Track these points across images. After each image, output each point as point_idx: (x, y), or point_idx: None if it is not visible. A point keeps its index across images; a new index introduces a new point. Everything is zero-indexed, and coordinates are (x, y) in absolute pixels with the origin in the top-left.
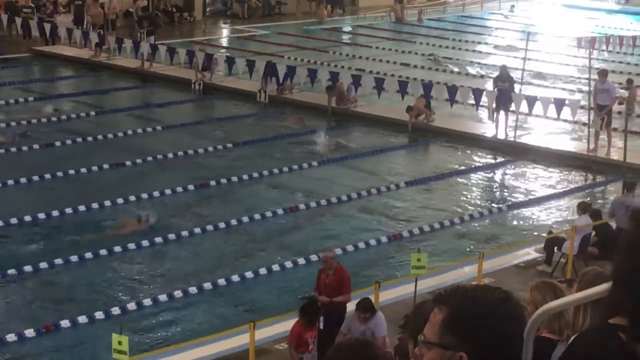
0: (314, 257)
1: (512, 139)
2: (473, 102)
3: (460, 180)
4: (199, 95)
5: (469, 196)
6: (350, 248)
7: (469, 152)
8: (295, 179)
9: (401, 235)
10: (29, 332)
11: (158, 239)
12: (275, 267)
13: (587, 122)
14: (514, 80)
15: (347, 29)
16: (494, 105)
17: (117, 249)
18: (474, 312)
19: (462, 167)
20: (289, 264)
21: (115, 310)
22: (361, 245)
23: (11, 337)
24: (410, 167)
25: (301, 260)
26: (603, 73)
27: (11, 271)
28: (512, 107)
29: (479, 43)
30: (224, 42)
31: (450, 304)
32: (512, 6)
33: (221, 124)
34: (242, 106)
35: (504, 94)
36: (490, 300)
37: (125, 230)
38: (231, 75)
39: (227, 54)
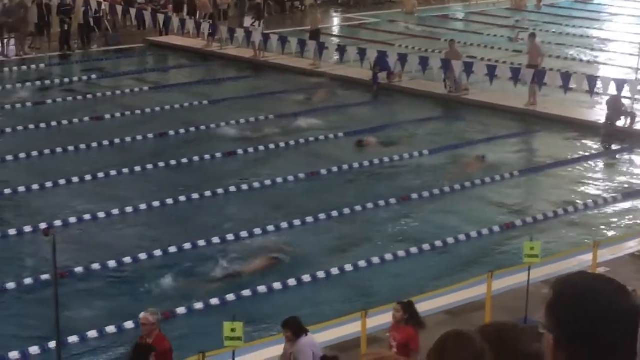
0: (426, 247)
1: (626, 127)
2: (587, 88)
3: (574, 168)
4: (312, 84)
5: (583, 184)
6: (462, 237)
7: (582, 139)
8: (407, 167)
9: (514, 224)
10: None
11: (270, 228)
12: (388, 256)
13: None
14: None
15: (460, 15)
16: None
17: (230, 237)
18: (571, 299)
19: (576, 155)
20: (401, 253)
21: (230, 297)
22: (473, 234)
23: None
24: (523, 156)
25: (414, 250)
26: None
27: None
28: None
29: (594, 29)
30: (335, 30)
31: (555, 288)
32: None
33: (333, 113)
34: (353, 94)
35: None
36: (594, 289)
37: (470, 169)
38: (342, 63)
39: (338, 42)
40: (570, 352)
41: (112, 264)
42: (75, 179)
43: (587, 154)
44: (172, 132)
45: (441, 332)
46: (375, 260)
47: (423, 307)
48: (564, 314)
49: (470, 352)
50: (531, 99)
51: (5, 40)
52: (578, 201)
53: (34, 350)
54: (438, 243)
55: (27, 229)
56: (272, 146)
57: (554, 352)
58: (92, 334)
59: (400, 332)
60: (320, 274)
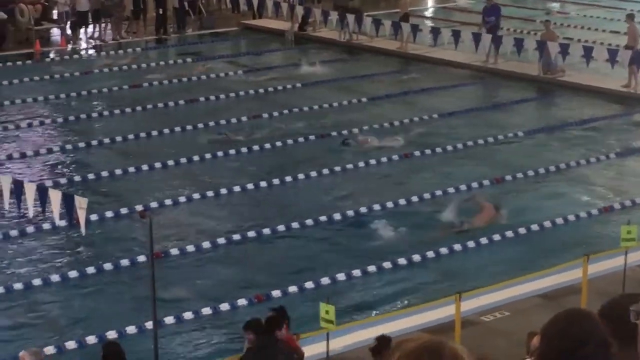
0: (522, 230)
1: None
2: None
3: None
4: (402, 67)
5: None
6: (559, 220)
7: None
8: (501, 150)
9: (612, 207)
10: (241, 302)
11: (363, 209)
12: (483, 240)
13: None
14: None
15: None
16: None
17: (323, 218)
18: None
19: None
20: (496, 237)
21: (325, 281)
22: (571, 217)
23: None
24: (621, 137)
25: (509, 234)
26: None
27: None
28: None
29: None
30: (429, 12)
31: None
32: None
33: (428, 94)
34: (449, 76)
35: None
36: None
37: None
38: (436, 46)
39: (432, 24)
40: None
41: (206, 245)
42: (170, 162)
43: None
44: (265, 115)
45: (536, 316)
46: (471, 244)
47: (517, 290)
48: None
49: (574, 336)
50: (631, 81)
51: (102, 25)
52: None
53: (131, 329)
54: (534, 226)
55: (124, 211)
56: (365, 127)
57: None
58: (188, 315)
59: None
60: (416, 257)
